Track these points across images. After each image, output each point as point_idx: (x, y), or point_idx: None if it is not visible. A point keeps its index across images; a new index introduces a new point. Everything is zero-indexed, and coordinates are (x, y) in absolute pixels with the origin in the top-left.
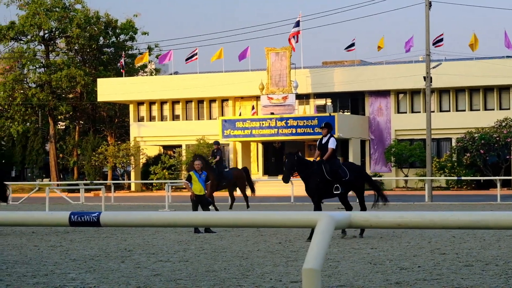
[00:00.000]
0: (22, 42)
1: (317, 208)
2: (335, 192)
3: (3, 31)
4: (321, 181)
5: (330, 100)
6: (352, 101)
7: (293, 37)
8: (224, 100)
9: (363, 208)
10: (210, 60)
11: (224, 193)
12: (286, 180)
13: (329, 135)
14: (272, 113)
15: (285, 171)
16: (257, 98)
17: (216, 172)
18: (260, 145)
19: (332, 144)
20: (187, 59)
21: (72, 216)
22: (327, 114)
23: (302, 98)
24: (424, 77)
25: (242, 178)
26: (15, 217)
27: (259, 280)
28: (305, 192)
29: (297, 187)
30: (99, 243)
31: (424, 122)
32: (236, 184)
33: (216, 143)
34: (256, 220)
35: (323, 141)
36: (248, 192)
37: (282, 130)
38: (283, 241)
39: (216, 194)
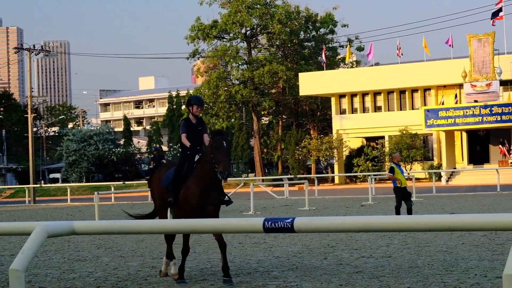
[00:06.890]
0: (225, 40)
1: None
2: None
3: (206, 30)
4: None
5: None
6: None
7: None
8: (426, 89)
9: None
10: (428, 52)
11: None
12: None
13: None
14: (475, 101)
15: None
16: (460, 86)
17: None
18: (464, 134)
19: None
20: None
21: (266, 222)
22: None
23: (507, 84)
24: None
25: None
26: (212, 224)
27: (463, 276)
28: None
29: (504, 175)
30: (302, 239)
31: None
32: None
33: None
34: None
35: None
36: None
37: (486, 118)
38: (488, 234)
39: None
